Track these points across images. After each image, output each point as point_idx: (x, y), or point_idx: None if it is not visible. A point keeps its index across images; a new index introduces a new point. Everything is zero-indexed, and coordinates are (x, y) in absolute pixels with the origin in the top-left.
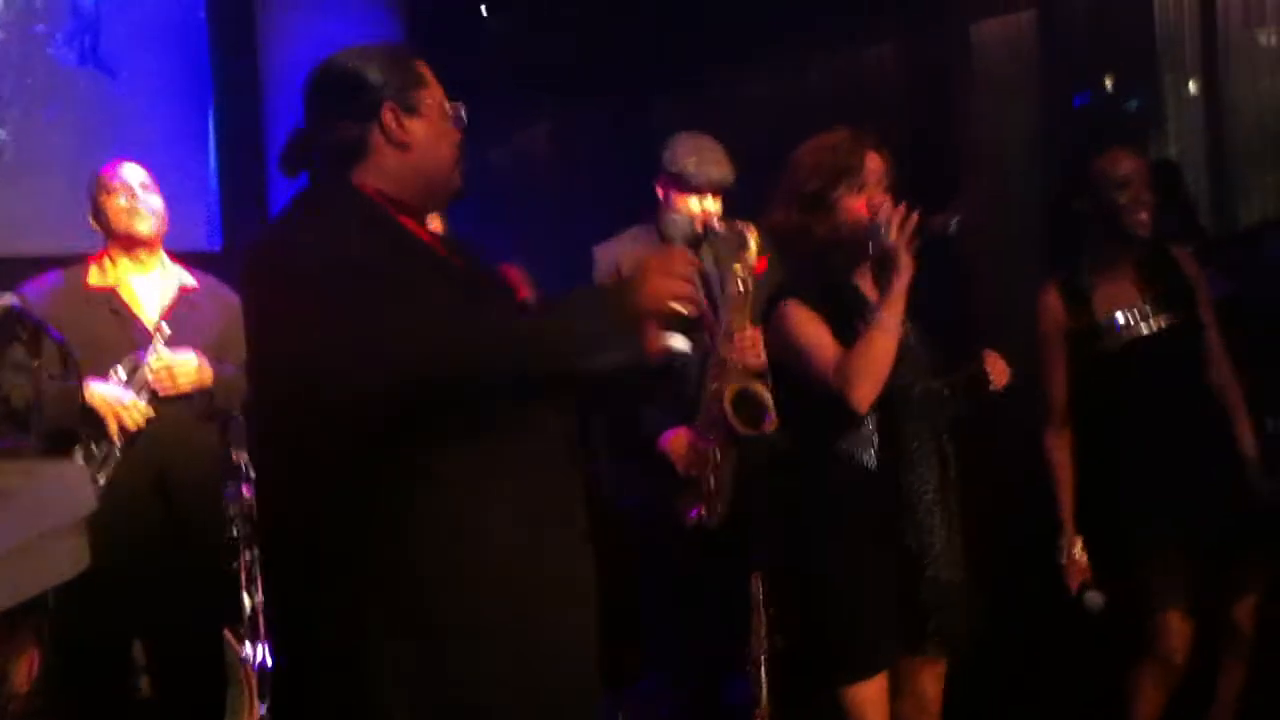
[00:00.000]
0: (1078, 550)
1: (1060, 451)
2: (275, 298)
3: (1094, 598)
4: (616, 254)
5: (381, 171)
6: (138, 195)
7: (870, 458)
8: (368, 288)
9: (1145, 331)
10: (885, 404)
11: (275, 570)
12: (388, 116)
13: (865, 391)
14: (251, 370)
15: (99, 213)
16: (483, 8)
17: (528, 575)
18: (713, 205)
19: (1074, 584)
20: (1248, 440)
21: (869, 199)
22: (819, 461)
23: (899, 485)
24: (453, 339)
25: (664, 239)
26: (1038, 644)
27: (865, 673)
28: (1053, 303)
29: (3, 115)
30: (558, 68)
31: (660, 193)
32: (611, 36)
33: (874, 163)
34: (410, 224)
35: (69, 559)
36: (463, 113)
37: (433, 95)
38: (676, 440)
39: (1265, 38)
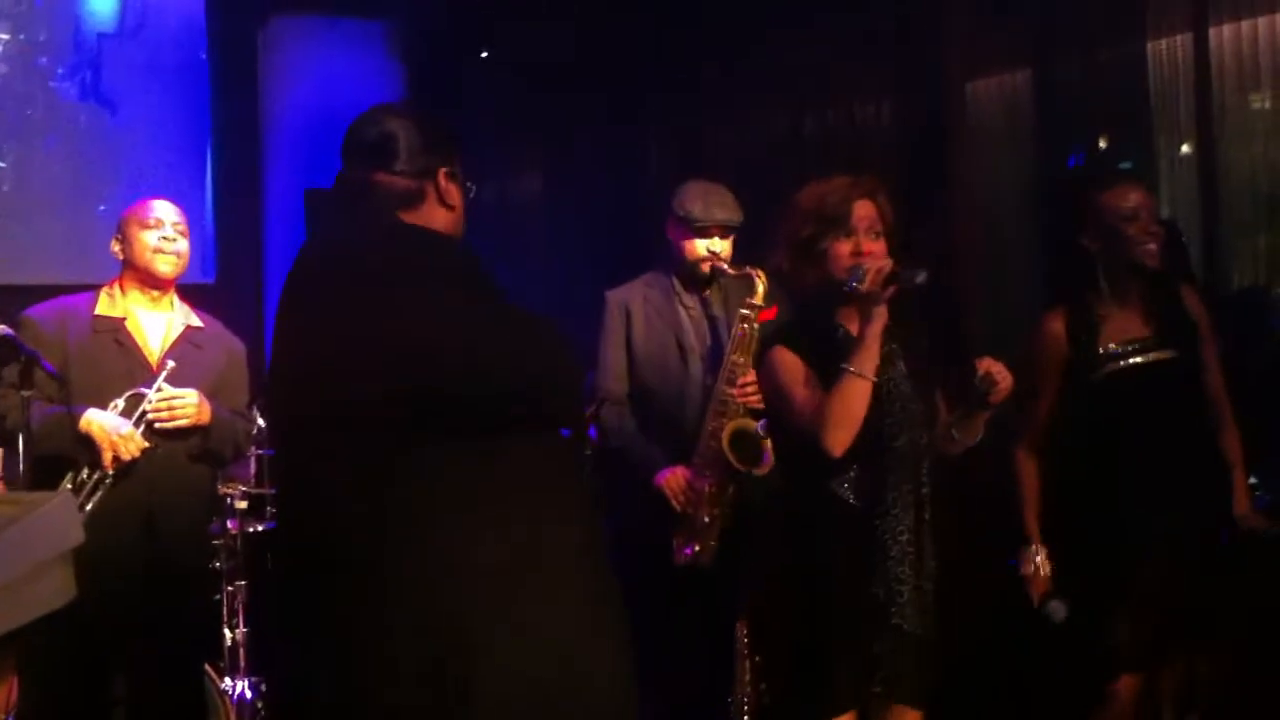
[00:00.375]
0: (1041, 559)
1: (1029, 464)
2: (394, 292)
3: (1057, 608)
4: (627, 298)
5: (430, 222)
6: (168, 236)
7: (853, 500)
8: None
9: (1142, 362)
10: (868, 453)
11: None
12: (443, 177)
13: (838, 436)
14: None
15: (126, 242)
16: (482, 53)
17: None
18: (720, 246)
19: (1036, 594)
20: (1240, 492)
21: (855, 246)
22: (809, 502)
23: (872, 531)
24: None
25: (678, 282)
26: (1012, 692)
27: (830, 712)
28: (1057, 330)
29: (2, 146)
30: (551, 113)
31: (670, 236)
32: (607, 86)
33: (864, 210)
34: None
35: (56, 590)
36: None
37: (461, 173)
38: (673, 478)
39: (1259, 102)
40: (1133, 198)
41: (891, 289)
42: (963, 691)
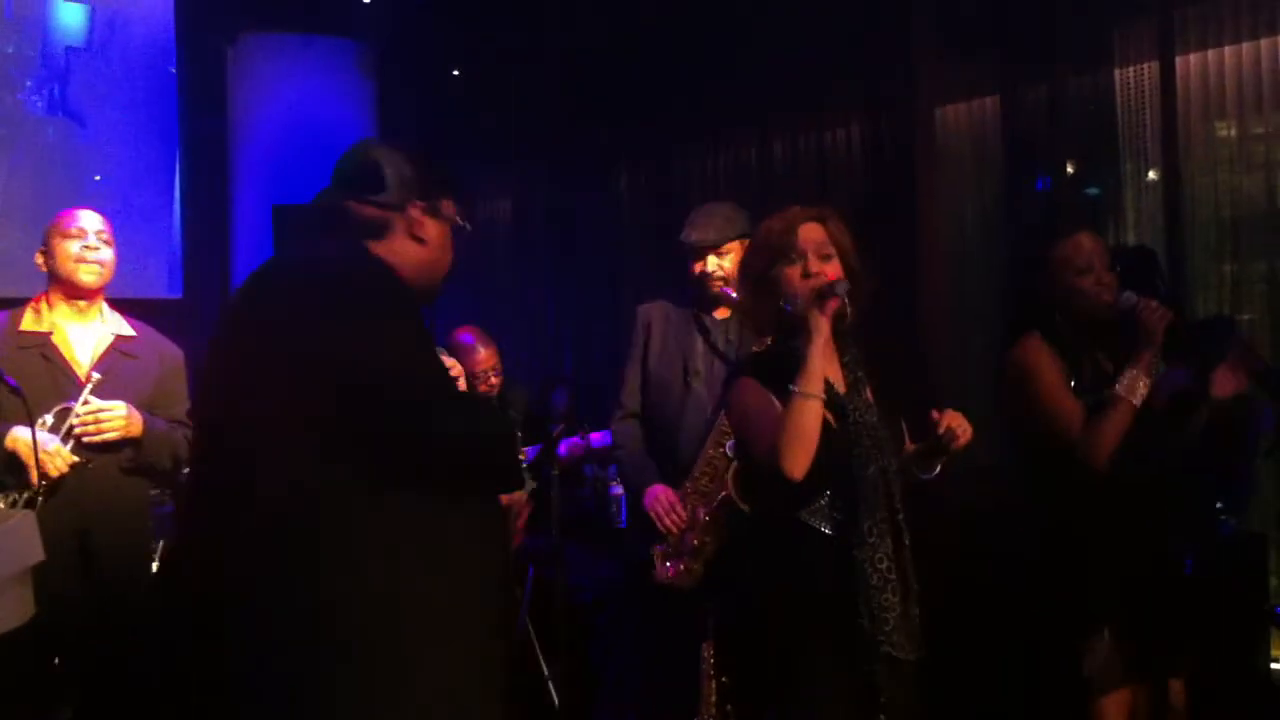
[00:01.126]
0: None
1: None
2: (325, 312)
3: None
4: (651, 315)
5: (394, 254)
6: (90, 245)
7: (828, 530)
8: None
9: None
10: (838, 484)
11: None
12: (414, 210)
13: (793, 459)
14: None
15: (49, 253)
16: (454, 71)
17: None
18: (713, 265)
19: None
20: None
21: (804, 269)
22: (783, 534)
23: (852, 561)
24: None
25: (696, 307)
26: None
27: None
28: (1043, 346)
29: None
30: (526, 135)
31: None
32: (581, 109)
33: (810, 232)
34: None
35: (15, 607)
36: (464, 233)
37: (453, 211)
38: (660, 499)
39: (1224, 129)
40: (1085, 248)
41: (831, 304)
42: (953, 712)
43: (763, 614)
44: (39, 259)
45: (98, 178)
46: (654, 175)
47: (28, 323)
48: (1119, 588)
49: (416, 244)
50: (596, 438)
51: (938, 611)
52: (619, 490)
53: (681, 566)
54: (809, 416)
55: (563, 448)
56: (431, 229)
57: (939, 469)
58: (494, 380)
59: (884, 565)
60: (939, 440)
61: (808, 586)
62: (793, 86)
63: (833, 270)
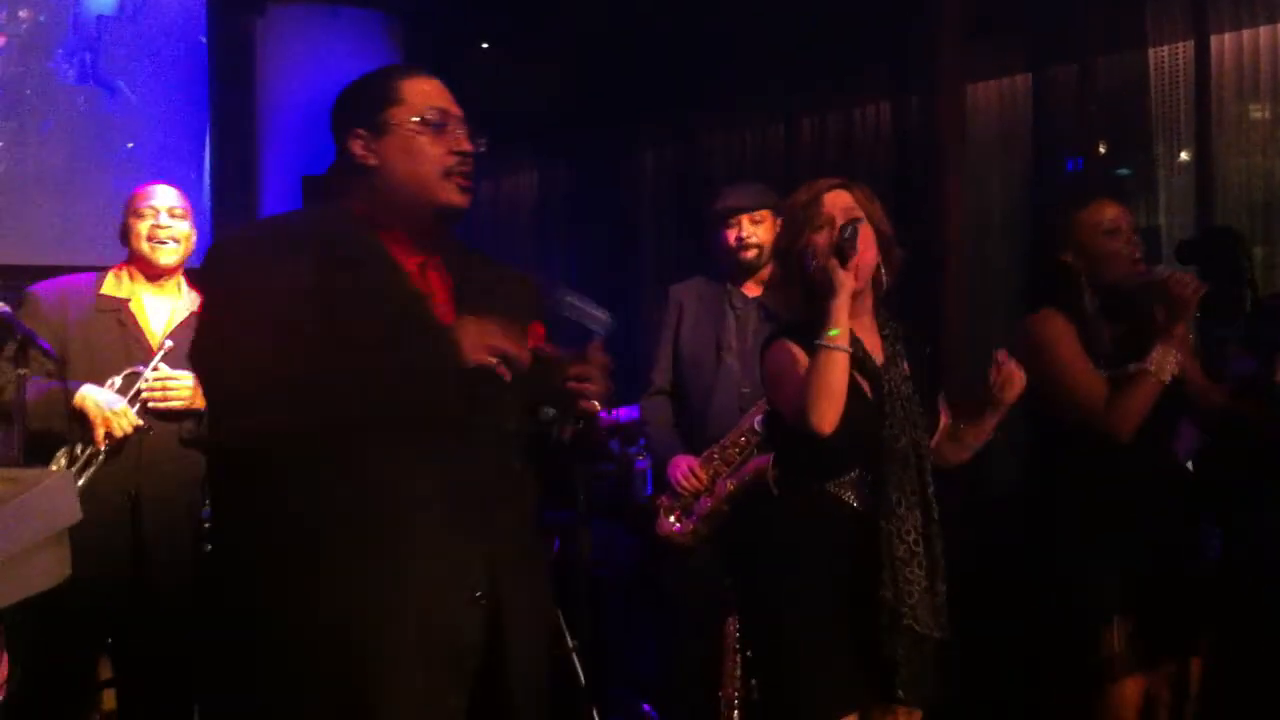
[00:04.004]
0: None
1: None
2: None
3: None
4: (683, 294)
5: (357, 193)
6: (163, 224)
7: (855, 501)
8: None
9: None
10: (871, 452)
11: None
12: (355, 145)
13: (821, 412)
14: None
15: (126, 230)
16: (483, 43)
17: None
18: (748, 231)
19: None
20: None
21: (830, 234)
22: (805, 500)
23: (879, 533)
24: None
25: (730, 282)
26: (1013, 698)
27: (833, 714)
28: (1062, 320)
29: (1, 127)
30: (551, 111)
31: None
32: (606, 87)
33: (838, 199)
34: (393, 246)
35: (51, 567)
36: (450, 121)
37: (408, 111)
38: (679, 465)
39: (1258, 111)
40: (1109, 213)
41: (853, 259)
42: (966, 692)
43: (779, 582)
44: (123, 231)
45: (130, 144)
46: (679, 154)
47: (109, 287)
48: (1132, 572)
49: (367, 175)
50: (622, 413)
51: (963, 593)
52: (644, 465)
53: (689, 527)
54: (836, 370)
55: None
56: (383, 147)
57: (988, 434)
58: None
59: (911, 538)
60: (991, 387)
61: (832, 556)
62: (820, 65)
63: (862, 234)
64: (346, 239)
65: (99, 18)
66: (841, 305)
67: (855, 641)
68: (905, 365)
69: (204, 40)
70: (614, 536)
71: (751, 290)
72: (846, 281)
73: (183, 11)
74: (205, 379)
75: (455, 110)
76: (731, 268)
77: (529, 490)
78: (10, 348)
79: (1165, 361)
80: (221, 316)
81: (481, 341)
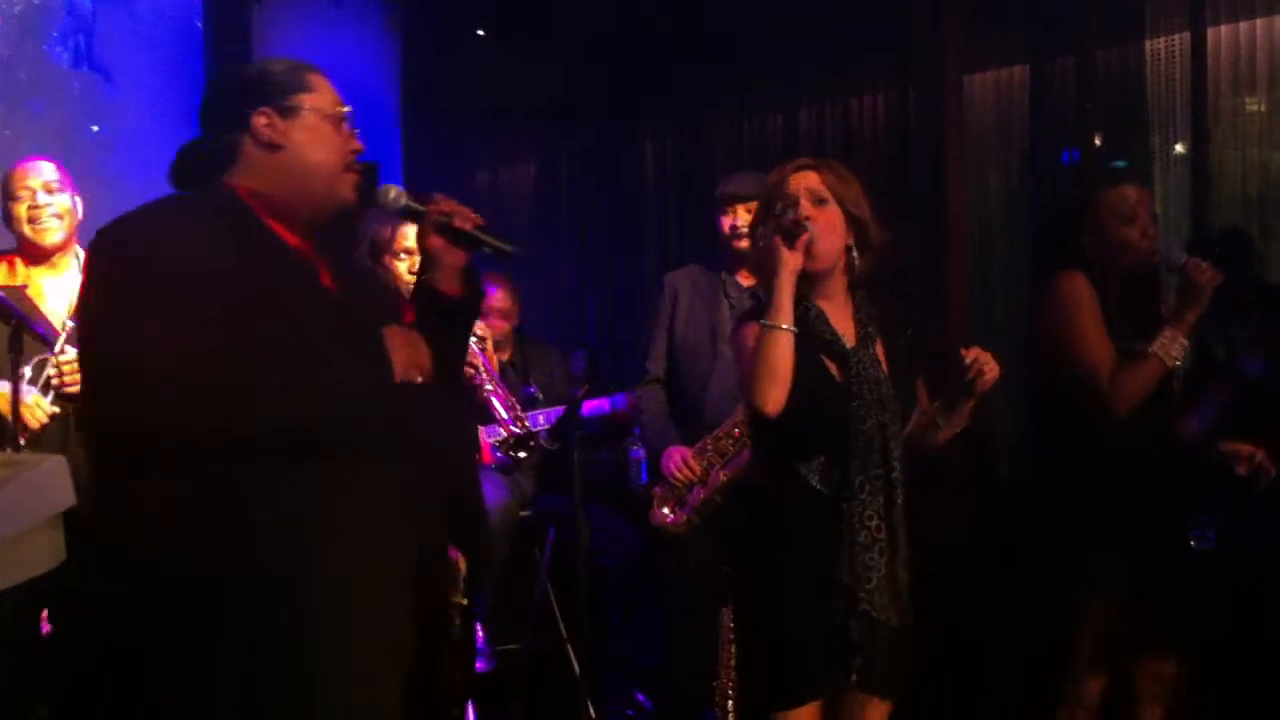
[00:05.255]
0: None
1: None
2: (109, 287)
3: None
4: (678, 283)
5: (252, 172)
6: (40, 203)
7: (821, 484)
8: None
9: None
10: (835, 435)
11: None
12: (260, 120)
13: (765, 392)
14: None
15: (5, 217)
16: (479, 31)
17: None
18: (744, 219)
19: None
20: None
21: (798, 215)
22: (776, 485)
23: (840, 516)
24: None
25: (726, 271)
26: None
27: (792, 702)
28: (1084, 283)
29: None
30: (551, 98)
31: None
32: (607, 74)
33: (803, 179)
34: (278, 227)
35: (46, 552)
36: (349, 122)
37: (315, 100)
38: (673, 455)
39: (1254, 104)
40: (1130, 197)
41: (801, 238)
42: (938, 684)
43: (750, 566)
44: (3, 216)
45: (95, 128)
46: (679, 141)
47: (2, 277)
48: (1121, 552)
49: (269, 152)
50: (621, 399)
51: (930, 582)
52: (639, 454)
53: (682, 517)
54: (778, 349)
55: (585, 409)
56: (290, 130)
57: (966, 420)
58: (499, 324)
59: (873, 523)
60: (965, 379)
61: (792, 538)
62: (821, 53)
63: (825, 215)
64: (242, 225)
65: (94, 2)
66: (784, 284)
67: (819, 626)
68: (878, 348)
69: (200, 25)
70: (611, 525)
71: (746, 279)
72: (790, 260)
73: None
74: (109, 370)
75: (348, 109)
76: (728, 255)
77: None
78: None
79: (1172, 346)
80: (125, 304)
81: (414, 359)
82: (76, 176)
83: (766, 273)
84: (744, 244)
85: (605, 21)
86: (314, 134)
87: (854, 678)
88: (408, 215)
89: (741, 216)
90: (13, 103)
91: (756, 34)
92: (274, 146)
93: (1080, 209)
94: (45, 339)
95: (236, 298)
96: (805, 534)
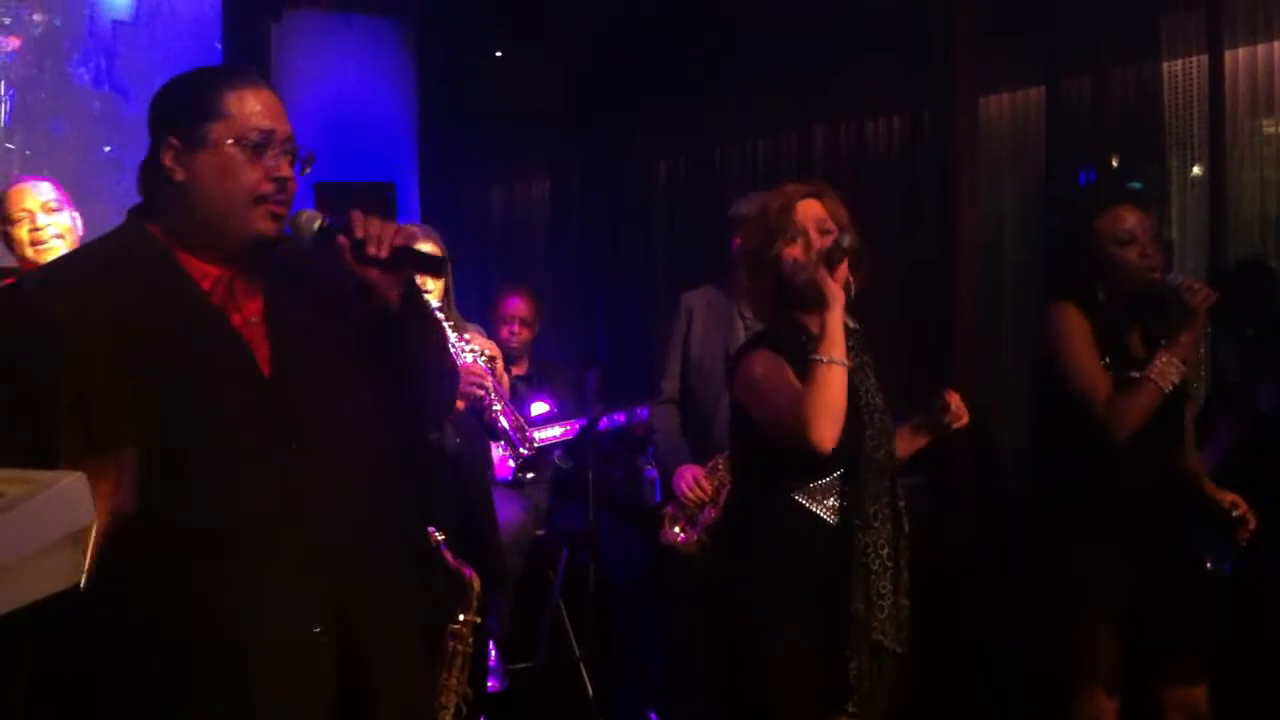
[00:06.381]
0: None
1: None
2: None
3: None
4: (693, 302)
5: (162, 204)
6: (40, 224)
7: (827, 513)
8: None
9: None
10: (850, 463)
11: None
12: (167, 154)
13: (823, 428)
14: None
15: (6, 241)
16: (497, 52)
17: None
18: None
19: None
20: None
21: (805, 246)
22: (773, 512)
23: (854, 545)
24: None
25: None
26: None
27: None
28: (1076, 314)
29: (14, 131)
30: (564, 117)
31: None
32: (619, 94)
33: (809, 209)
34: (194, 262)
35: (66, 568)
36: (273, 143)
37: (225, 129)
38: (684, 475)
39: (1271, 126)
40: (1129, 220)
41: (841, 269)
42: (929, 709)
43: (744, 590)
44: (4, 242)
45: (107, 148)
46: (691, 162)
47: None
48: (1130, 576)
49: (175, 189)
50: (640, 411)
51: (924, 605)
52: (653, 473)
53: (694, 537)
54: (835, 385)
55: (602, 424)
56: (197, 163)
57: (909, 453)
58: (522, 331)
59: (885, 551)
60: (944, 418)
61: (797, 566)
62: (833, 74)
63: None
64: (141, 266)
65: (114, 22)
66: (836, 319)
67: (816, 652)
68: (873, 376)
69: (219, 46)
70: (624, 543)
71: None
72: (839, 294)
73: (198, 17)
74: None
75: (283, 129)
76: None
77: (386, 500)
78: None
79: (1168, 369)
80: None
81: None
82: (92, 196)
83: (811, 305)
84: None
85: (619, 40)
86: (219, 166)
87: (852, 710)
88: (324, 241)
89: None
90: (34, 123)
91: (770, 52)
92: (177, 183)
93: (1081, 232)
94: None
95: (115, 356)
96: (805, 562)
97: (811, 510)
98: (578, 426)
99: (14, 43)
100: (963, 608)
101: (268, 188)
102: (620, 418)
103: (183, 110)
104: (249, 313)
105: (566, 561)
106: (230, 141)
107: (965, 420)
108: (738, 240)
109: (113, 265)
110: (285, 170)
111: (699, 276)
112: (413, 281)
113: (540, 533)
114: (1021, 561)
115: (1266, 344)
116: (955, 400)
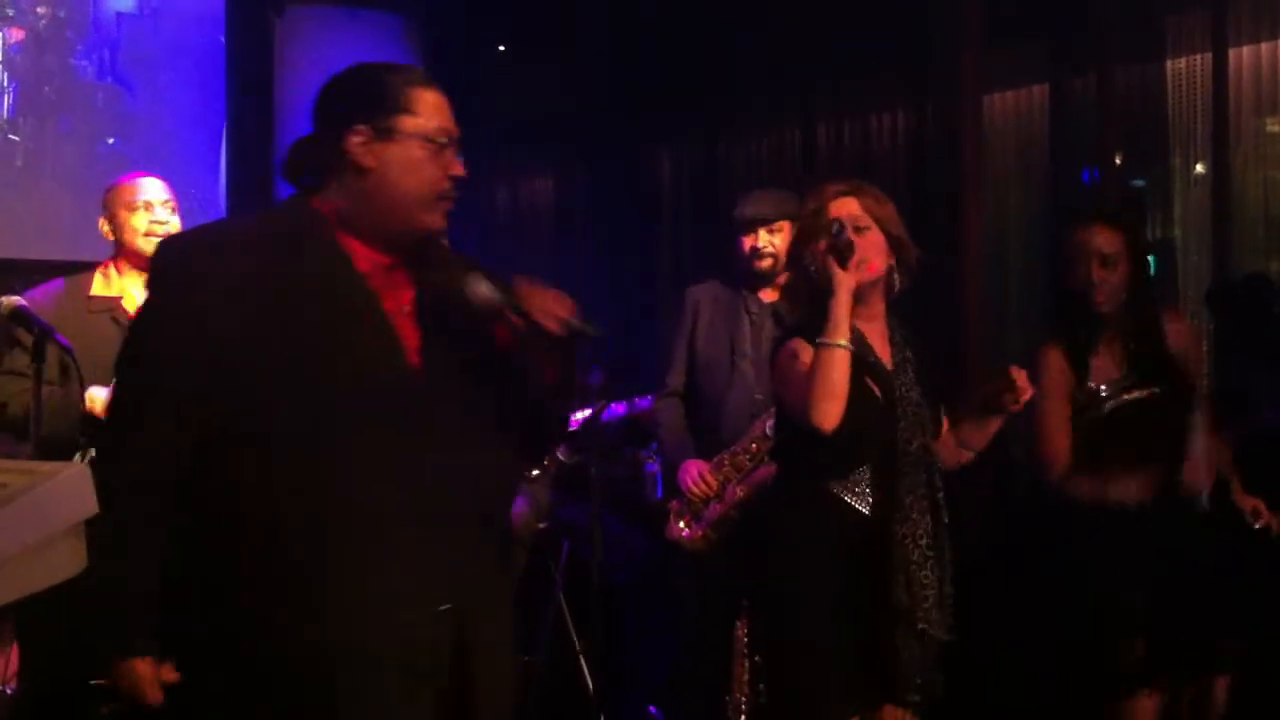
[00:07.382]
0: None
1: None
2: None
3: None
4: (699, 296)
5: (338, 187)
6: (159, 219)
7: (863, 505)
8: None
9: (1125, 401)
10: (883, 456)
11: None
12: (354, 139)
13: (823, 409)
14: None
15: (115, 225)
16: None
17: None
18: (764, 241)
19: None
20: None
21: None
22: (810, 502)
23: (892, 537)
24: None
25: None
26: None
27: (839, 715)
28: (1056, 360)
29: (18, 122)
30: (569, 114)
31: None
32: (625, 90)
33: (844, 207)
34: (356, 245)
35: (67, 560)
36: (452, 149)
37: (416, 125)
38: (690, 470)
39: (1275, 126)
40: (1097, 239)
41: (852, 258)
42: (968, 696)
43: (786, 585)
44: (104, 227)
45: (110, 140)
46: (696, 159)
47: (97, 287)
48: (1152, 588)
49: (359, 175)
50: (642, 401)
51: (969, 595)
52: (654, 467)
53: (699, 533)
54: (837, 367)
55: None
56: (384, 152)
57: (988, 440)
58: None
59: (924, 542)
60: (999, 396)
61: (836, 558)
62: (838, 72)
63: (868, 241)
64: (302, 241)
65: (118, 15)
66: (840, 303)
67: (859, 644)
68: (912, 371)
69: (223, 39)
70: (625, 538)
71: (767, 296)
72: (845, 280)
73: (202, 9)
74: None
75: (455, 130)
76: (747, 274)
77: (499, 499)
78: (14, 357)
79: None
80: (147, 324)
81: (549, 308)
82: (95, 189)
83: (819, 292)
84: (766, 264)
85: (624, 37)
86: (407, 160)
87: (908, 696)
88: (493, 312)
89: (763, 238)
90: (38, 116)
91: (775, 50)
92: (363, 169)
93: (1062, 248)
94: (68, 349)
95: (263, 324)
96: (844, 554)
97: (847, 501)
98: (580, 421)
99: (17, 34)
100: (970, 609)
101: (446, 185)
102: (620, 408)
103: (374, 100)
104: (402, 302)
105: (568, 556)
106: (421, 137)
107: (1030, 394)
108: (744, 240)
109: (274, 235)
110: (460, 169)
111: (703, 275)
112: (573, 347)
113: (542, 526)
114: (1030, 566)
115: (1268, 353)
116: (1022, 377)
